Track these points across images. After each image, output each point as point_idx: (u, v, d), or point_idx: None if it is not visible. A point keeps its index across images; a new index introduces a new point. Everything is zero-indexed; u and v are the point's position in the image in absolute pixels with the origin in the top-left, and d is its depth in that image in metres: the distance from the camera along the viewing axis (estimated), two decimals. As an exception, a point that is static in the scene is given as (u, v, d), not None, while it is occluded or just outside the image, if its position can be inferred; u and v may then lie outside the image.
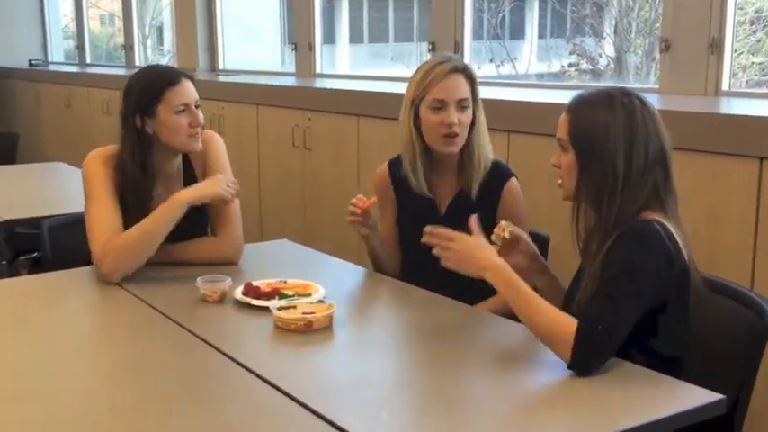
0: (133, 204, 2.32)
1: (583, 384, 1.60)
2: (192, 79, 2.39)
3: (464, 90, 2.26)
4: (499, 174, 2.33)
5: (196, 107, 2.36)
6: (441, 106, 2.24)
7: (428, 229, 1.88)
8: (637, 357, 1.71)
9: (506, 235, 1.94)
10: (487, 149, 2.33)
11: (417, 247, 2.37)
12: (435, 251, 1.84)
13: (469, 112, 2.27)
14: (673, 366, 1.74)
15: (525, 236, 2.02)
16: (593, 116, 1.77)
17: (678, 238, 1.72)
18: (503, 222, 1.99)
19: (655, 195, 1.75)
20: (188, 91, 2.34)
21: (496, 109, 3.10)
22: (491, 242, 1.90)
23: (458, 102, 2.25)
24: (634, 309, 1.67)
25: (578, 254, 1.85)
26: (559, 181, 1.85)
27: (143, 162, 2.33)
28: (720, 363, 1.85)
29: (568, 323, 1.63)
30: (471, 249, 1.81)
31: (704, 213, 2.62)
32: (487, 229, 2.27)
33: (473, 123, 2.29)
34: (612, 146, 1.73)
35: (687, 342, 1.80)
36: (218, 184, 2.31)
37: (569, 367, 1.62)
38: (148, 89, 2.33)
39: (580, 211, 1.81)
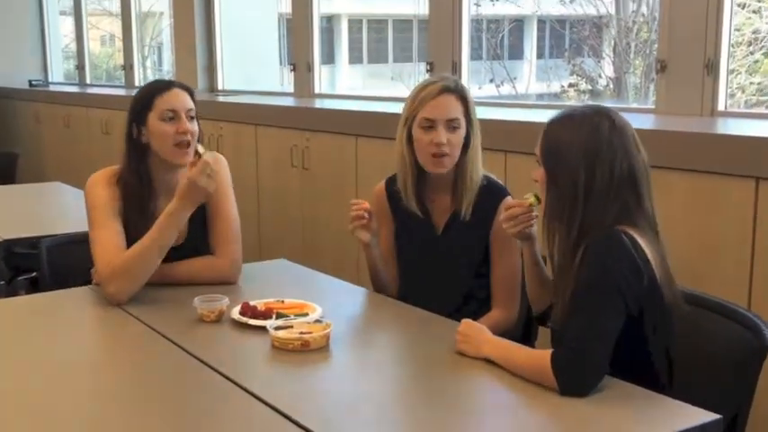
0: (133, 217, 2.33)
1: (579, 403, 1.59)
2: (187, 90, 2.40)
3: (454, 110, 2.25)
4: (495, 192, 2.32)
5: (190, 118, 2.36)
6: (430, 125, 2.24)
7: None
8: (617, 372, 1.72)
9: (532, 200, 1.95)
10: (480, 169, 2.33)
11: (414, 266, 2.39)
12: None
13: (461, 132, 2.27)
14: (652, 380, 1.74)
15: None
16: (560, 133, 1.82)
17: (647, 252, 1.73)
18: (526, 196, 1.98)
19: (625, 214, 1.76)
20: (177, 98, 2.36)
21: (493, 129, 3.11)
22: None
23: (447, 121, 2.24)
24: (609, 319, 1.68)
25: (552, 270, 1.87)
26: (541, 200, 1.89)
27: (138, 171, 2.35)
28: (718, 383, 1.85)
29: (543, 354, 1.67)
30: (474, 331, 1.86)
31: (701, 233, 2.62)
32: (479, 245, 2.29)
33: (467, 144, 2.29)
34: (573, 161, 1.75)
35: (663, 356, 1.81)
36: (203, 181, 2.20)
37: (563, 394, 1.62)
38: (142, 98, 2.37)
39: (551, 227, 1.83)
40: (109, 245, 2.27)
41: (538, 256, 2.04)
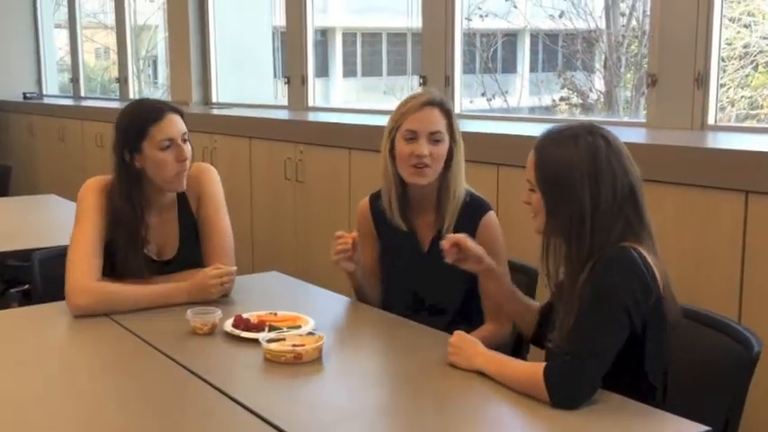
0: (122, 236, 2.33)
1: (570, 416, 1.60)
2: (179, 112, 2.37)
3: (437, 123, 2.26)
4: (476, 207, 2.32)
5: (184, 141, 2.35)
6: (413, 137, 2.25)
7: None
8: (611, 385, 1.72)
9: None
10: (463, 184, 2.33)
11: (401, 283, 2.39)
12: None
13: (443, 146, 2.27)
14: (648, 395, 1.75)
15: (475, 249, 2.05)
16: (557, 157, 1.78)
17: (655, 268, 1.73)
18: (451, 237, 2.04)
19: (629, 230, 1.76)
20: (173, 126, 2.33)
21: (485, 142, 3.13)
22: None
23: (429, 134, 2.25)
24: (610, 334, 1.68)
25: (550, 289, 1.87)
26: (533, 215, 1.87)
27: (130, 195, 2.34)
28: (708, 395, 1.86)
29: (536, 367, 1.67)
30: (467, 344, 1.86)
31: (690, 246, 2.64)
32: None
33: (450, 158, 2.29)
34: (578, 187, 1.74)
35: (660, 372, 1.81)
36: (213, 289, 2.29)
37: (553, 407, 1.62)
38: (133, 125, 2.33)
39: (550, 247, 1.82)
40: (86, 256, 2.28)
41: (508, 286, 2.07)
